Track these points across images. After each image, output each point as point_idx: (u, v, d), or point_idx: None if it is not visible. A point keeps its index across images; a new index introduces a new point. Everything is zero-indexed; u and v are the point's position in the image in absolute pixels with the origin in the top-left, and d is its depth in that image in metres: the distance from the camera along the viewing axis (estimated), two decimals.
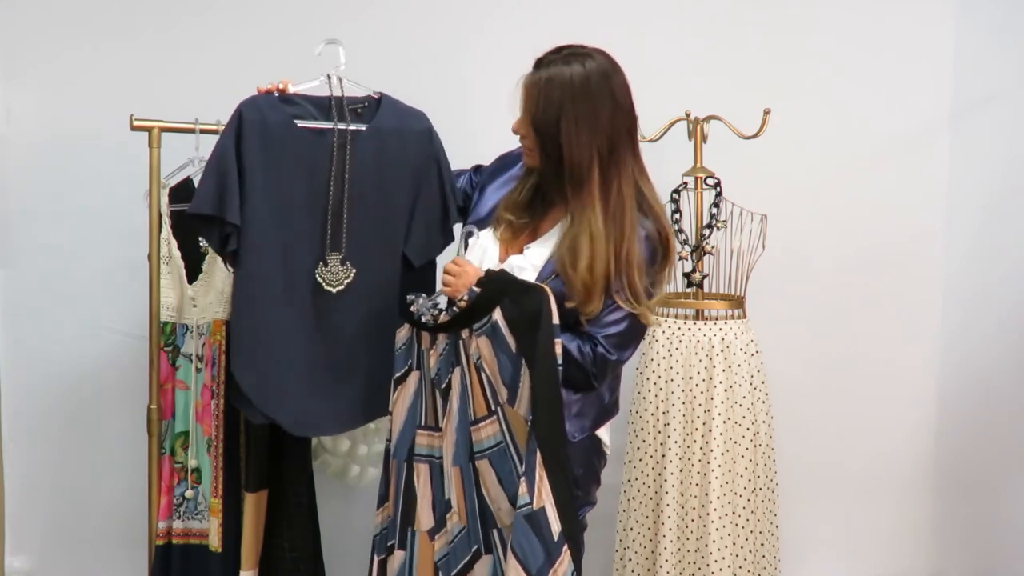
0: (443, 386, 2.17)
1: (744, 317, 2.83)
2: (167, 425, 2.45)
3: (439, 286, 2.24)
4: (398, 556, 2.23)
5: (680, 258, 2.86)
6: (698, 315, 2.82)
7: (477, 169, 2.47)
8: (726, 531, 2.71)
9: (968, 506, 3.34)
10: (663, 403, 2.79)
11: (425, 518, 2.20)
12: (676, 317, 2.82)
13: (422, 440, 2.21)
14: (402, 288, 2.35)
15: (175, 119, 2.45)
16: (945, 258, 3.32)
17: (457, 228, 2.43)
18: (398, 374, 2.26)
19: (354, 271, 2.33)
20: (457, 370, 2.14)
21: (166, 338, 2.45)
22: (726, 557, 2.71)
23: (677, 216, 2.88)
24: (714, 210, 2.84)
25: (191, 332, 2.43)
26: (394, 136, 2.35)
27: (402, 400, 2.25)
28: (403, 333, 2.25)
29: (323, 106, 2.29)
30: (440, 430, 2.18)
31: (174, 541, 2.44)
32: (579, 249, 2.08)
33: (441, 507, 2.18)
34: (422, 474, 2.20)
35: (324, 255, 2.29)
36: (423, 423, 2.21)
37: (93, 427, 3.04)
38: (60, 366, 3.03)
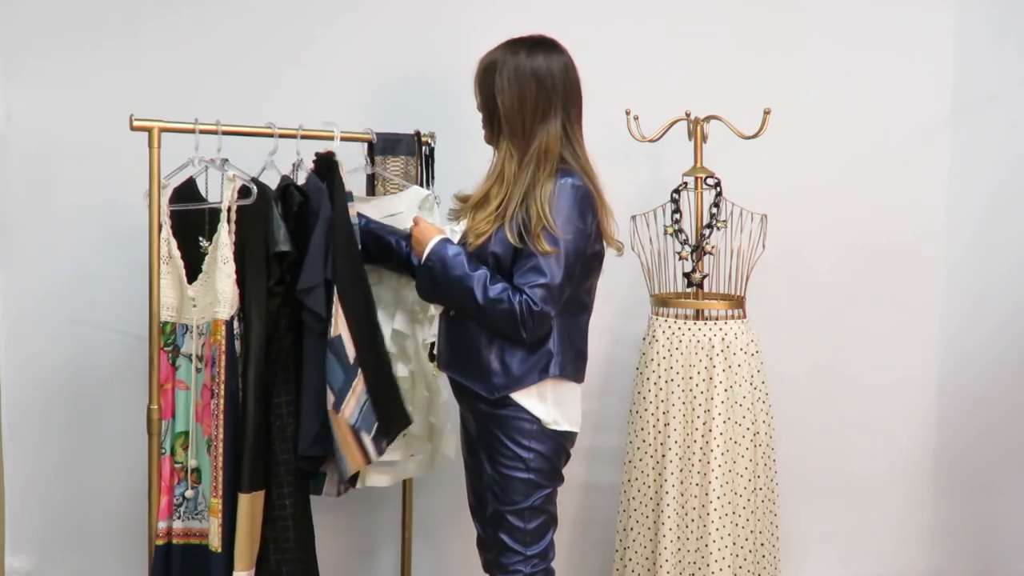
0: None
1: (744, 317, 2.83)
2: (167, 425, 2.44)
3: None
4: None
5: (680, 258, 2.87)
6: (698, 315, 2.82)
7: None
8: (726, 531, 2.71)
9: (968, 506, 3.34)
10: (663, 403, 2.79)
11: None
12: (676, 317, 2.82)
13: None
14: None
15: (175, 119, 2.45)
16: (945, 258, 3.32)
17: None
18: None
19: None
20: None
21: (166, 338, 2.44)
22: (726, 557, 2.71)
23: (677, 216, 2.88)
24: (714, 210, 2.84)
25: (191, 332, 2.43)
26: None
27: None
28: None
29: None
30: None
31: (174, 541, 2.44)
32: (481, 187, 2.33)
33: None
34: None
35: None
36: None
37: (93, 427, 3.04)
38: (60, 366, 3.03)
